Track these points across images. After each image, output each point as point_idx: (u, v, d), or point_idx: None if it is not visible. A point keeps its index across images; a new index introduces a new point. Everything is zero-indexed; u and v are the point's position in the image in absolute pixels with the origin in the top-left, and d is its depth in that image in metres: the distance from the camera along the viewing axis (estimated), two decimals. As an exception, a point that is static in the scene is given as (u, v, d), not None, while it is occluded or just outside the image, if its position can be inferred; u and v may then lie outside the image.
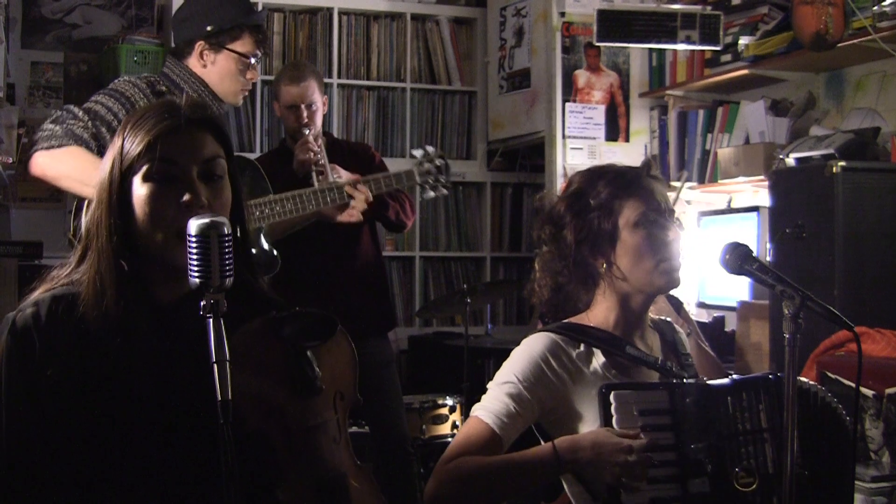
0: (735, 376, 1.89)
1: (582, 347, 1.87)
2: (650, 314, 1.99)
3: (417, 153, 3.44)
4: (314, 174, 3.36)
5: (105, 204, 1.51)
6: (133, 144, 1.50)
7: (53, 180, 2.51)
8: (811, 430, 1.82)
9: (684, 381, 1.84)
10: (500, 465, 1.76)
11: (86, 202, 2.50)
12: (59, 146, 2.46)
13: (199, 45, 2.69)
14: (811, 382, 1.92)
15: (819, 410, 1.86)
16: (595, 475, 1.73)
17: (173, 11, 4.40)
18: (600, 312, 1.92)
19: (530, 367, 1.83)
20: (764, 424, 1.79)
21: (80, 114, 2.52)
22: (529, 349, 1.87)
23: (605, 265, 1.88)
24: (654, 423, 1.73)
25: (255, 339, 1.54)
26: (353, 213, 3.27)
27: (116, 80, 2.67)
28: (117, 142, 1.53)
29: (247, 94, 2.83)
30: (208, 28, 2.69)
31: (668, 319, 2.06)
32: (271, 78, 4.86)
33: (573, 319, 1.94)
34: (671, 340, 2.00)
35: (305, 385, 1.55)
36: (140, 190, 1.50)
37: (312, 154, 3.40)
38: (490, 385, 1.86)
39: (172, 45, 2.80)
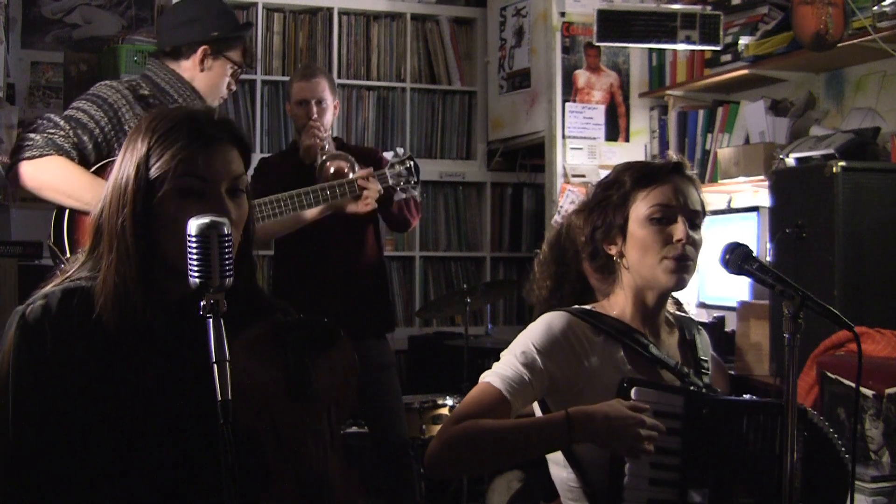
0: (755, 398, 1.87)
1: (602, 336, 1.86)
2: (670, 308, 1.99)
3: (388, 155, 3.43)
4: (318, 158, 3.34)
5: (130, 209, 1.50)
6: (163, 158, 1.49)
7: (36, 191, 2.49)
8: (815, 466, 1.78)
9: (702, 389, 1.83)
10: (510, 429, 1.74)
11: (66, 211, 2.49)
12: (41, 156, 2.45)
13: (204, 49, 2.72)
14: (820, 416, 1.88)
15: (822, 446, 1.83)
16: (605, 445, 1.72)
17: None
18: (618, 303, 1.92)
19: (548, 339, 1.83)
20: (776, 450, 1.75)
21: (62, 122, 2.51)
22: (549, 324, 1.85)
23: (616, 254, 1.90)
24: (665, 426, 1.72)
25: (257, 342, 1.54)
26: (369, 202, 3.23)
27: (98, 85, 2.66)
28: (140, 148, 1.51)
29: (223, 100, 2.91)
30: (214, 33, 2.74)
31: (691, 316, 2.04)
32: (272, 78, 4.88)
33: (593, 306, 1.94)
34: (690, 340, 1.98)
35: (301, 392, 1.55)
36: (168, 203, 1.50)
37: (318, 139, 3.40)
38: (503, 354, 1.85)
39: (163, 46, 2.79)
